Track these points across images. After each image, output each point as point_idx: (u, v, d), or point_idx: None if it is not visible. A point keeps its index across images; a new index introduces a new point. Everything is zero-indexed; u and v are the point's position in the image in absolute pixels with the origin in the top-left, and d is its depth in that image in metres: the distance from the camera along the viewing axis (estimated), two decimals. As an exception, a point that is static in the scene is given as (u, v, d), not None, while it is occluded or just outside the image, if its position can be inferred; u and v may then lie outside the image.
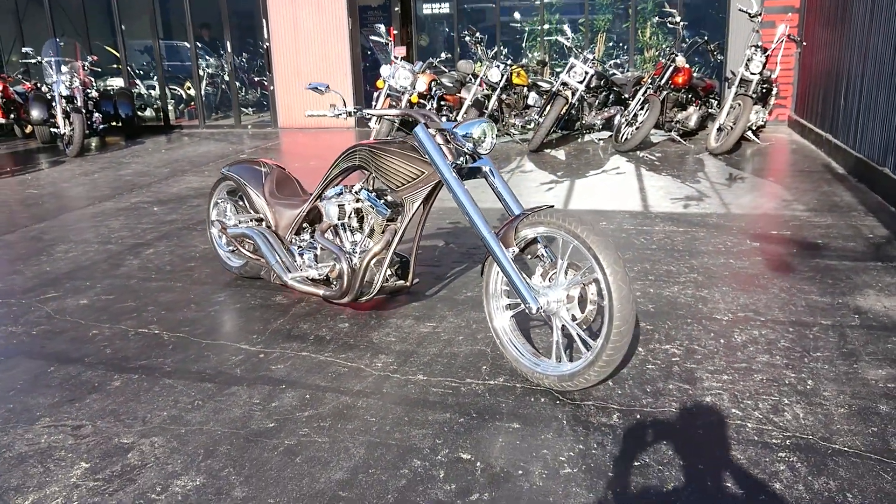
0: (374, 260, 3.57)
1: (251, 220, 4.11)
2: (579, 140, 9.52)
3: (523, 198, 6.31)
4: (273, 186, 4.16)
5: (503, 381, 3.06)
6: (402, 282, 3.68)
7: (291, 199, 4.08)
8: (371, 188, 3.63)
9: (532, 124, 9.10)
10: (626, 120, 8.64)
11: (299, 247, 3.93)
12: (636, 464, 2.43)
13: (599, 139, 9.45)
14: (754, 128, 8.64)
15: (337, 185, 3.73)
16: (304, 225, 3.96)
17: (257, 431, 2.74)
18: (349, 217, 3.62)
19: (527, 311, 2.88)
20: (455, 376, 3.11)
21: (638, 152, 8.36)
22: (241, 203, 4.33)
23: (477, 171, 3.26)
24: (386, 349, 3.42)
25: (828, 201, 5.84)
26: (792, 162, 7.47)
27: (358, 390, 3.02)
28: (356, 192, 3.59)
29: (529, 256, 3.10)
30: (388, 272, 3.64)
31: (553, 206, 2.95)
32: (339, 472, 2.46)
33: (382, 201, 3.50)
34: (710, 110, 8.97)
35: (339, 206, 3.58)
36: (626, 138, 8.40)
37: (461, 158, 3.20)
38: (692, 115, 8.78)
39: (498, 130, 9.72)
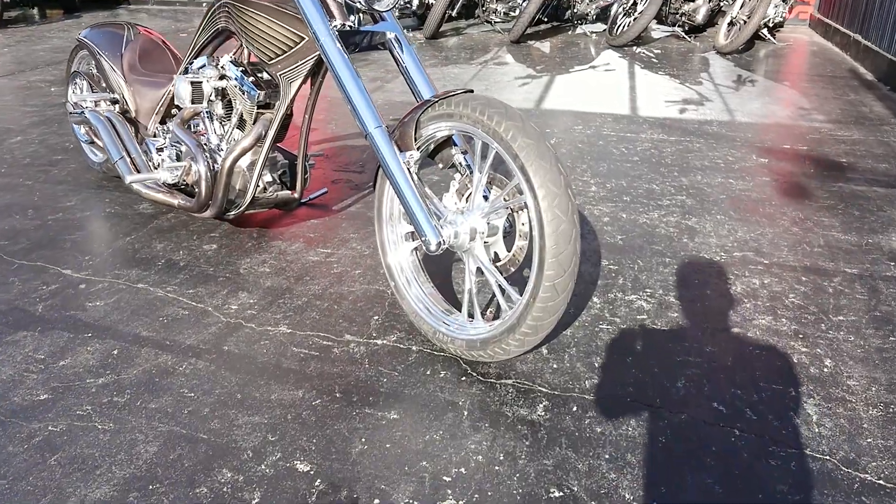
0: (246, 161, 2.61)
1: (104, 101, 3.11)
2: (570, 32, 8.33)
3: (492, 94, 5.26)
4: (135, 57, 3.14)
5: (395, 340, 2.17)
6: (287, 192, 2.74)
7: (157, 75, 3.07)
8: (246, 61, 2.62)
9: (516, 11, 7.89)
10: (623, 9, 7.45)
11: (163, 140, 2.95)
12: (563, 494, 1.57)
13: (592, 32, 8.26)
14: (771, 24, 7.46)
15: (209, 56, 2.72)
16: (174, 111, 2.97)
17: (18, 407, 1.86)
18: (210, 101, 2.63)
19: (423, 246, 1.95)
20: (331, 330, 2.22)
21: (634, 48, 7.22)
22: (98, 78, 3.31)
23: (375, 40, 2.26)
24: (252, 284, 2.51)
25: (854, 112, 4.82)
26: (812, 66, 6.37)
27: (188, 346, 2.13)
28: (222, 67, 2.59)
29: (442, 165, 2.15)
30: (268, 178, 2.69)
31: (472, 91, 1.97)
32: (103, 488, 1.59)
33: (252, 80, 2.50)
34: (721, 3, 7.76)
35: (192, 84, 2.58)
36: (622, 30, 7.24)
37: (352, 18, 2.19)
38: (700, 6, 7.58)
39: (477, 17, 8.50)
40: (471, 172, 2.11)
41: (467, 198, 2.07)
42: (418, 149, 2.03)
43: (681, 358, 2.07)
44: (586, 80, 5.80)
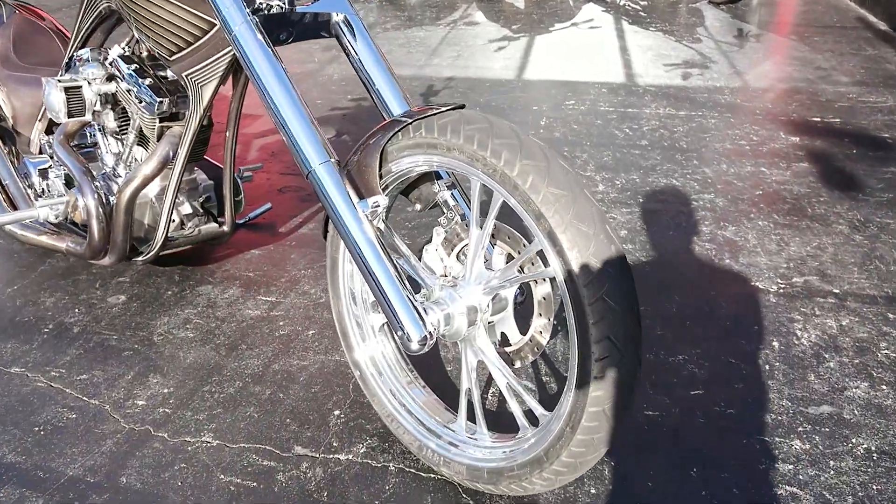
0: (154, 190, 1.95)
1: (-32, 107, 2.38)
2: (544, -17, 7.58)
3: (465, 62, 4.57)
4: (8, 46, 2.40)
5: (364, 453, 1.55)
6: (213, 224, 2.07)
7: (40, 69, 2.35)
8: (144, 54, 1.91)
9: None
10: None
11: (48, 159, 2.25)
12: None
13: (569, -18, 7.52)
14: (765, -31, 6.80)
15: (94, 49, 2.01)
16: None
17: None
18: (96, 111, 1.94)
19: (400, 342, 1.32)
20: (275, 438, 1.59)
21: (618, 0, 6.52)
22: (-34, 74, 2.57)
23: (315, 26, 1.58)
24: (168, 361, 1.86)
25: (879, 70, 4.23)
26: (816, 15, 5.75)
27: (69, 479, 1.49)
28: (110, 64, 1.89)
29: (420, 207, 1.51)
30: (185, 209, 2.03)
31: (462, 107, 1.31)
32: None
33: (150, 82, 1.81)
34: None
35: (67, 90, 1.87)
36: (604, -20, 6.52)
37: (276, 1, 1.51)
38: (688, -50, 6.86)
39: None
40: (463, 218, 1.47)
41: (460, 253, 1.44)
42: (386, 191, 1.39)
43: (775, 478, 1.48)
44: (570, 41, 5.11)
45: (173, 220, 1.98)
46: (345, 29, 1.57)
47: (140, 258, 1.99)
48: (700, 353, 1.84)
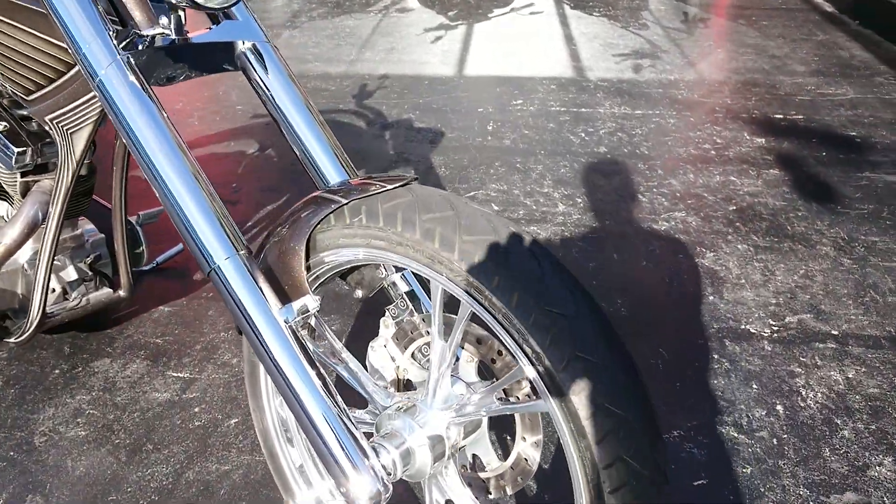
0: (25, 255, 1.56)
1: None
2: (478, -37, 7.21)
3: (400, 56, 4.20)
4: None
5: None
6: (106, 290, 1.70)
7: None
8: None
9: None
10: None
11: None
12: None
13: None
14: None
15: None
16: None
17: None
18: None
19: (343, 499, 0.99)
20: (189, 587, 1.25)
21: (556, -19, 6.21)
22: None
23: (215, 58, 1.22)
24: (53, 474, 1.49)
25: (833, 58, 4.05)
26: (758, -5, 5.57)
27: None
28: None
29: (360, 294, 1.17)
30: (70, 274, 1.65)
31: (414, 180, 0.98)
32: None
33: (4, 127, 1.42)
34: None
35: None
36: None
37: (165, 22, 1.13)
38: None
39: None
40: (418, 307, 1.15)
41: (416, 351, 1.13)
42: (316, 287, 1.05)
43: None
44: (511, 29, 4.80)
45: (53, 290, 1.60)
46: (253, 60, 1.21)
47: (12, 340, 1.60)
48: (697, 425, 1.57)
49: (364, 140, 3.08)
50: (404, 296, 1.15)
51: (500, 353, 1.02)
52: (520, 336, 0.84)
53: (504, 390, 1.03)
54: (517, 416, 1.02)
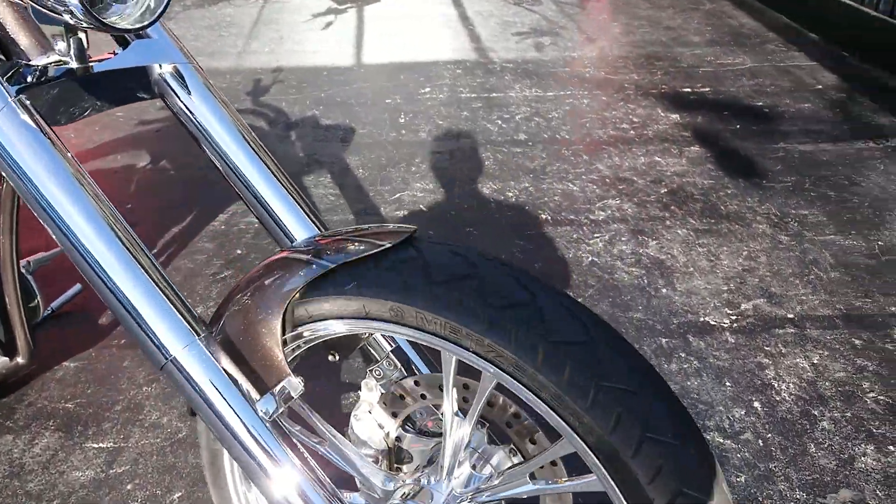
0: None
1: None
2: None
3: (291, 45, 3.93)
4: None
5: None
6: (2, 358, 1.43)
7: None
8: None
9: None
10: None
11: None
12: None
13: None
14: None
15: None
16: None
17: None
18: None
19: None
20: None
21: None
22: None
23: (128, 87, 1.00)
24: None
25: (724, 27, 4.13)
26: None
27: None
28: None
29: (334, 357, 1.00)
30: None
31: (412, 233, 0.81)
32: None
33: None
34: None
35: None
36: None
37: (62, 48, 0.90)
38: None
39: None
40: (407, 370, 0.99)
41: (406, 422, 0.98)
42: (293, 359, 0.88)
43: None
44: (404, 10, 4.60)
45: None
46: (175, 86, 1.00)
47: None
48: (681, 435, 1.50)
49: (268, 142, 2.83)
50: (391, 355, 0.99)
51: (516, 416, 0.89)
52: (569, 412, 0.70)
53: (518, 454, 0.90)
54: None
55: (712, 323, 1.82)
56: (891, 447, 1.46)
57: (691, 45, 3.82)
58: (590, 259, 2.07)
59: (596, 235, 2.18)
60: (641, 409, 0.68)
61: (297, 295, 0.80)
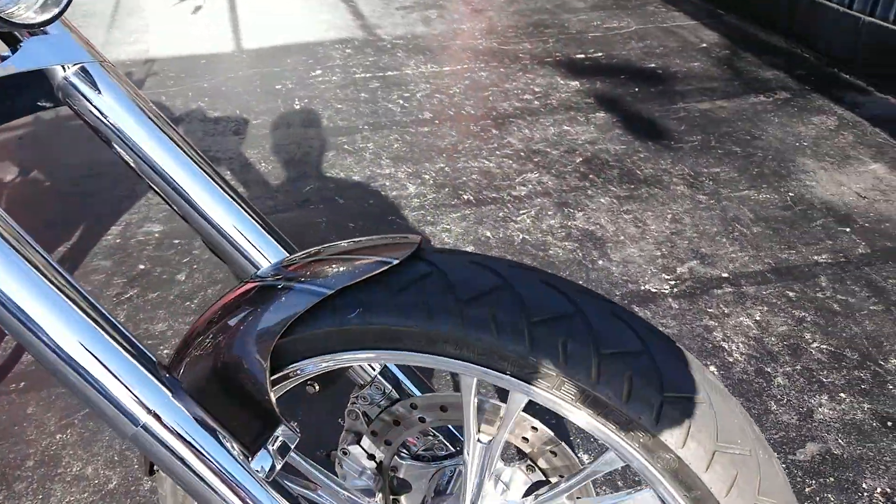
0: None
1: None
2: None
3: (158, 34, 3.62)
4: None
5: None
6: None
7: None
8: None
9: None
10: None
11: None
12: None
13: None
14: None
15: None
16: None
17: None
18: None
19: None
20: None
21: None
22: None
23: (21, 95, 0.82)
24: None
25: (603, -9, 4.17)
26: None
27: None
28: None
29: (314, 389, 0.87)
30: None
31: (419, 244, 0.69)
32: None
33: None
34: None
35: None
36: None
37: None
38: None
39: None
40: (400, 393, 0.89)
41: (405, 445, 0.88)
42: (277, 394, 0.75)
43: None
44: (277, -10, 4.36)
45: None
46: (84, 89, 0.83)
47: None
48: (647, 409, 1.47)
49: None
50: (379, 378, 0.88)
51: (533, 428, 0.80)
52: (620, 424, 0.63)
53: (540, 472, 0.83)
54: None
55: (654, 290, 1.81)
56: (842, 394, 1.50)
57: (576, 11, 3.83)
58: (521, 237, 2.02)
59: (522, 212, 2.13)
60: (709, 418, 0.61)
61: (285, 330, 0.67)
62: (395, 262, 0.65)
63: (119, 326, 0.67)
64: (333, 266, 0.68)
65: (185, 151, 0.84)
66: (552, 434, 0.79)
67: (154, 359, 0.69)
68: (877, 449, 1.38)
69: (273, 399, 0.69)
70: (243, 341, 0.69)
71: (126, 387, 0.64)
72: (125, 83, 0.85)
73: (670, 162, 2.38)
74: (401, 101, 2.84)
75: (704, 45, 3.34)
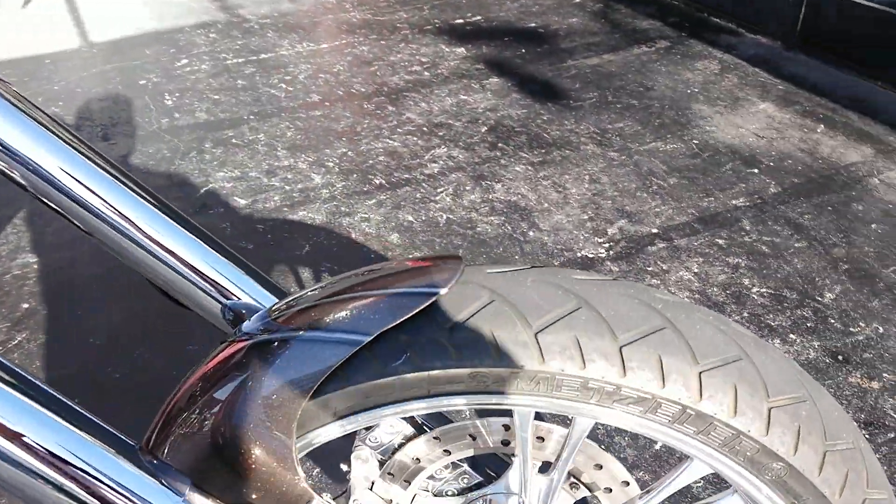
0: None
1: None
2: None
3: (-15, 33, 3.18)
4: None
5: None
6: None
7: None
8: None
9: None
10: None
11: None
12: None
13: None
14: None
15: None
16: None
17: None
18: None
19: None
20: None
21: None
22: None
23: None
24: None
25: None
26: None
27: None
28: None
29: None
30: None
31: (459, 263, 0.58)
32: None
33: None
34: None
35: None
36: None
37: None
38: None
39: None
40: (417, 430, 0.78)
41: (425, 482, 0.78)
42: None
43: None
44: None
45: None
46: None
47: None
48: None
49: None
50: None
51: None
52: (723, 445, 0.56)
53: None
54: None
55: (591, 255, 1.77)
56: (792, 335, 1.53)
57: (444, -25, 3.72)
58: (444, 217, 1.92)
59: (439, 190, 2.03)
60: (816, 417, 0.55)
61: (312, 392, 0.55)
62: (443, 291, 0.54)
63: (82, 412, 0.53)
64: (357, 306, 0.56)
65: (124, 182, 0.69)
66: (599, 447, 0.72)
67: (133, 444, 0.55)
68: (835, 385, 1.41)
69: (303, 475, 0.57)
70: (252, 411, 0.56)
71: (107, 485, 0.50)
72: (26, 106, 0.68)
73: (574, 121, 2.35)
74: (283, 86, 2.64)
75: (577, 0, 3.34)
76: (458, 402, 0.56)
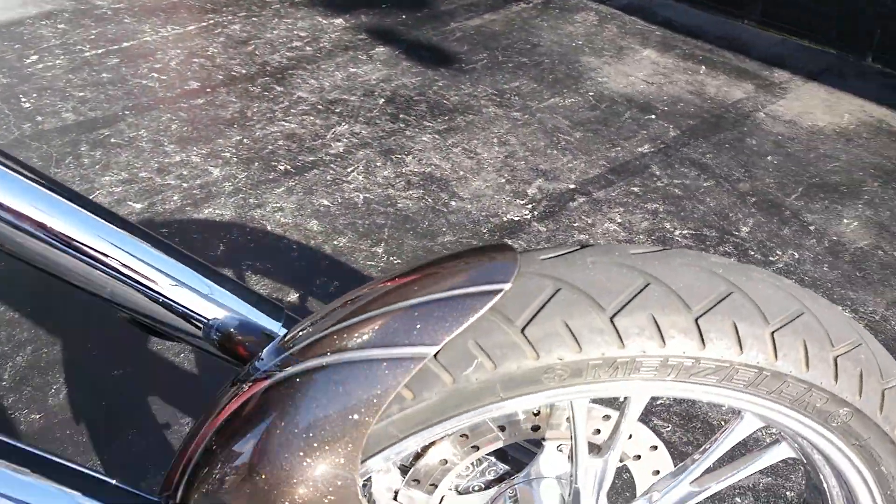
0: None
1: None
2: None
3: None
4: None
5: None
6: None
7: None
8: None
9: None
10: None
11: None
12: None
13: None
14: None
15: None
16: None
17: None
18: None
19: None
20: None
21: None
22: None
23: None
24: None
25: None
26: None
27: None
28: None
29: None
30: None
31: (513, 252, 0.54)
32: None
33: None
34: None
35: None
36: None
37: None
38: None
39: None
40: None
41: (455, 480, 0.75)
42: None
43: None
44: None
45: None
46: None
47: None
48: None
49: None
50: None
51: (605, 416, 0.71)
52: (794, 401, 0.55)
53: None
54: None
55: (516, 219, 1.77)
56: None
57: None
58: (361, 197, 1.86)
59: (350, 169, 1.96)
60: (871, 358, 0.56)
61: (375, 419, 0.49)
62: (507, 286, 0.50)
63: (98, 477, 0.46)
64: (410, 316, 0.51)
65: (87, 209, 0.60)
66: (644, 426, 0.70)
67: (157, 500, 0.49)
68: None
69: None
70: (304, 453, 0.50)
71: None
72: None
73: (470, 85, 2.33)
74: (155, 75, 2.44)
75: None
76: (534, 402, 0.52)
